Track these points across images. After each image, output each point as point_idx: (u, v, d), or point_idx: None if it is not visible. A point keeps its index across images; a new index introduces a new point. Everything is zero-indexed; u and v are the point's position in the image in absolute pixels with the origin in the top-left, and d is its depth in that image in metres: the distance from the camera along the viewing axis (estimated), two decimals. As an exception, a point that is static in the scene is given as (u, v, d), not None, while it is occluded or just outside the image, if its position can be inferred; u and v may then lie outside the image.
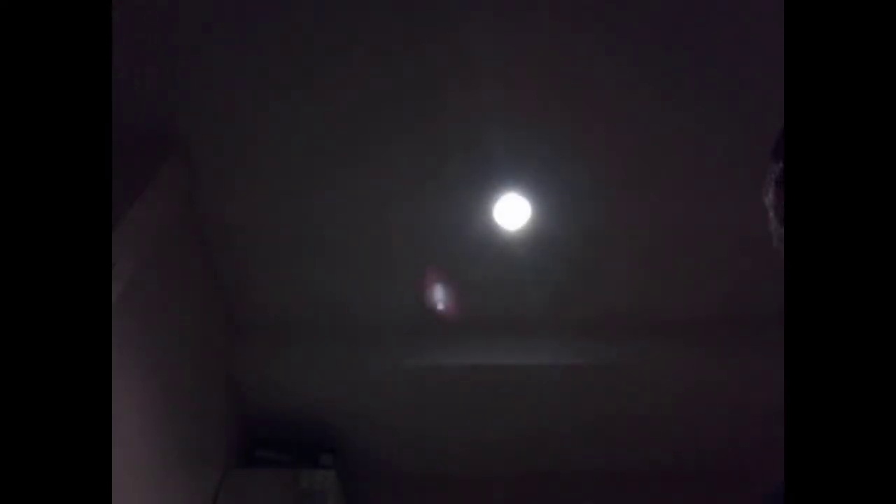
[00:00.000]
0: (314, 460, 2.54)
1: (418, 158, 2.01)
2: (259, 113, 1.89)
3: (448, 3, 1.67)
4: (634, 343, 2.42)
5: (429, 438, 2.71)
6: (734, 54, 1.74)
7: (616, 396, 2.49)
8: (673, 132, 1.93)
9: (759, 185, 0.73)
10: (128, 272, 1.65)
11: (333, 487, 2.45)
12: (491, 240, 2.20)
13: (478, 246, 2.22)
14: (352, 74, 1.80)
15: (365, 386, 2.48)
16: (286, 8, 1.67)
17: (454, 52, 1.74)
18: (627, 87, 1.83)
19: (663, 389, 2.46)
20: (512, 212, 2.13)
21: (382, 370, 2.41)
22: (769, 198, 0.69)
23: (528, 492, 2.77)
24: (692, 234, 2.19)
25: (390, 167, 2.03)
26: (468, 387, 2.46)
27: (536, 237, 2.20)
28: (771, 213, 0.70)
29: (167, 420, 1.96)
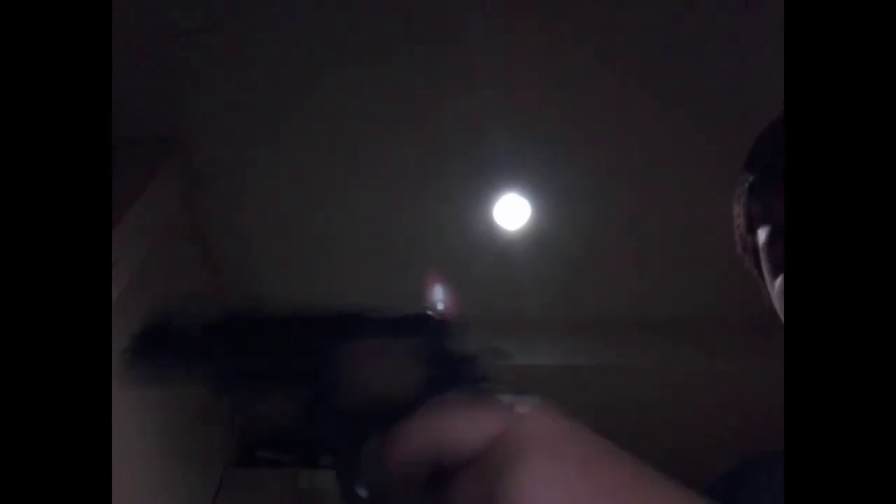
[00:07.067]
0: (314, 460, 2.54)
1: (418, 159, 2.00)
2: (259, 113, 1.89)
3: (448, 4, 1.67)
4: (634, 343, 2.42)
5: (429, 438, 2.70)
6: (734, 54, 1.74)
7: (615, 396, 2.49)
8: (672, 132, 1.93)
9: (734, 190, 0.75)
10: (128, 272, 1.65)
11: (333, 487, 2.45)
12: (491, 240, 2.20)
13: (478, 246, 2.22)
14: (352, 75, 1.80)
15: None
16: (286, 9, 1.67)
17: (454, 52, 1.74)
18: (627, 88, 1.83)
19: (663, 389, 2.46)
20: (512, 212, 2.13)
21: (382, 370, 2.41)
22: (741, 206, 0.72)
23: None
24: (691, 234, 2.19)
25: (390, 167, 2.03)
26: (468, 387, 2.45)
27: (536, 237, 2.20)
28: (741, 221, 0.72)
29: (167, 420, 1.96)
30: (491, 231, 2.17)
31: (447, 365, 0.42)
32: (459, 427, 0.36)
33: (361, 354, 0.42)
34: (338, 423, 0.42)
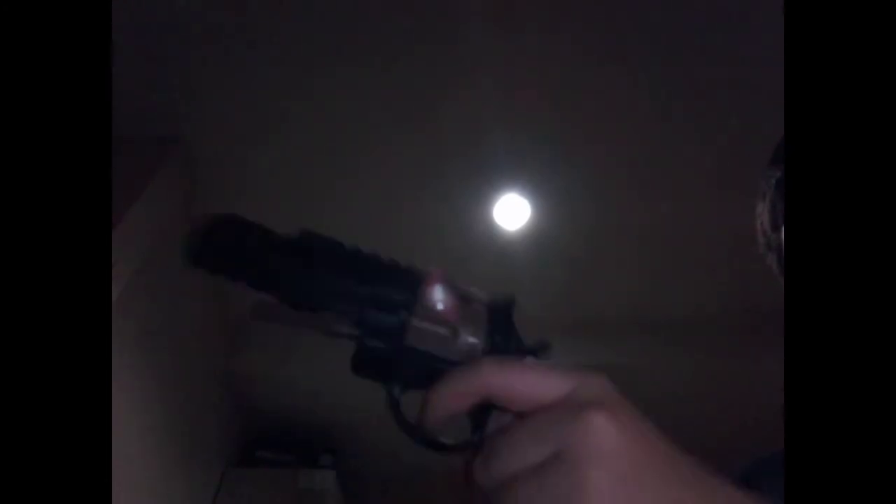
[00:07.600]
0: (314, 460, 2.54)
1: (418, 159, 2.00)
2: (259, 113, 1.89)
3: (448, 4, 1.67)
4: (634, 343, 2.42)
5: (429, 438, 2.71)
6: (734, 54, 1.74)
7: (616, 396, 2.49)
8: (672, 132, 1.93)
9: (759, 185, 0.73)
10: (128, 272, 1.65)
11: (333, 487, 2.45)
12: (491, 240, 2.20)
13: (478, 246, 2.22)
14: (351, 75, 1.80)
15: (365, 385, 2.47)
16: (286, 10, 1.67)
17: (454, 52, 1.74)
18: (627, 88, 1.83)
19: (663, 389, 2.46)
20: (512, 212, 2.13)
21: (382, 370, 2.42)
22: (766, 202, 0.70)
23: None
24: (692, 234, 2.19)
25: (390, 167, 2.03)
26: (468, 387, 2.45)
27: (536, 237, 2.20)
28: (764, 218, 0.70)
29: (167, 420, 1.96)
30: (491, 231, 2.17)
31: (508, 341, 0.45)
32: (533, 375, 0.40)
33: (433, 306, 0.44)
34: (396, 361, 0.44)
